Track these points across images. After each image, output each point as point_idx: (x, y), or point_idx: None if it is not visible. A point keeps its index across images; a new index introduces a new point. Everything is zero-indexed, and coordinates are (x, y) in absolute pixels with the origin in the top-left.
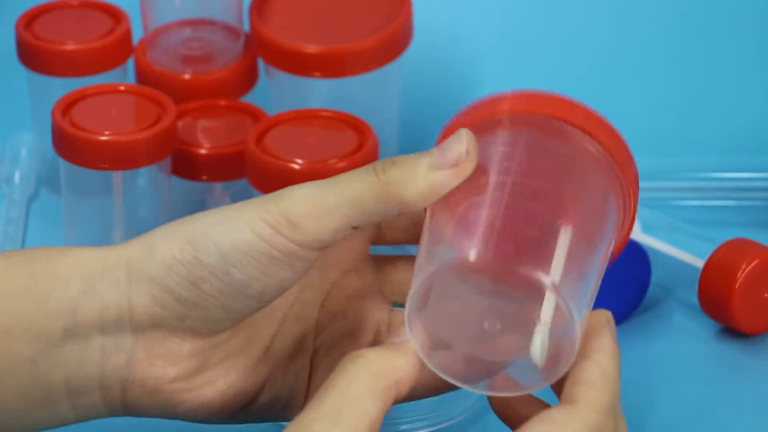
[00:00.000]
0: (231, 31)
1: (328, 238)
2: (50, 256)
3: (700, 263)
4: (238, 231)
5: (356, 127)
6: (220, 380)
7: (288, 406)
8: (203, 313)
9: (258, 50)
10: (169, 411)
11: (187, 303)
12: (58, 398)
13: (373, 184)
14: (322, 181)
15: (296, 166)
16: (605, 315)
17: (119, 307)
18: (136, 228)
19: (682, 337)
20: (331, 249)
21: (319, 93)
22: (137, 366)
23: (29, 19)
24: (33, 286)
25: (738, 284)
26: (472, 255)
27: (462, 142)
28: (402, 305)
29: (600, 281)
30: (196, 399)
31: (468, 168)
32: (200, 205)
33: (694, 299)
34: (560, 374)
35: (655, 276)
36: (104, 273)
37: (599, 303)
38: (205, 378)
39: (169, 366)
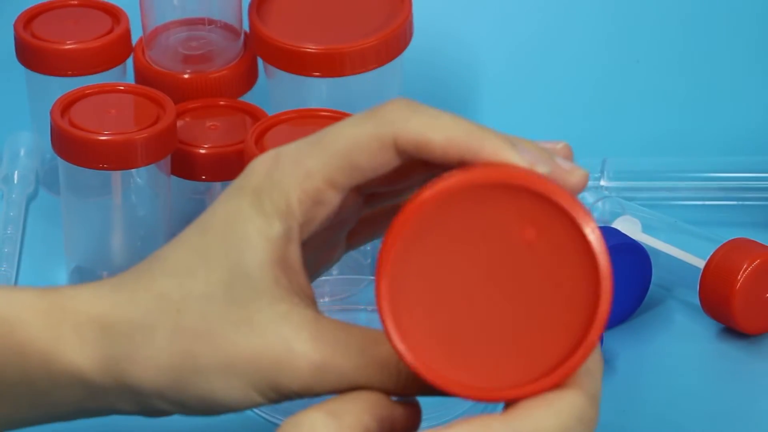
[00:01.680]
0: (230, 30)
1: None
2: (42, 361)
3: (700, 263)
4: (234, 404)
5: None
6: None
7: None
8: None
9: (257, 50)
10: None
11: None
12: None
13: (388, 389)
14: (327, 345)
15: None
16: None
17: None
18: (136, 228)
19: (683, 337)
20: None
21: (319, 93)
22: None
23: (28, 19)
24: (30, 383)
25: (739, 284)
26: None
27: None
28: None
29: None
30: None
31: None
32: (200, 205)
33: (695, 299)
34: None
35: (656, 276)
36: (105, 390)
37: None
38: None
39: None
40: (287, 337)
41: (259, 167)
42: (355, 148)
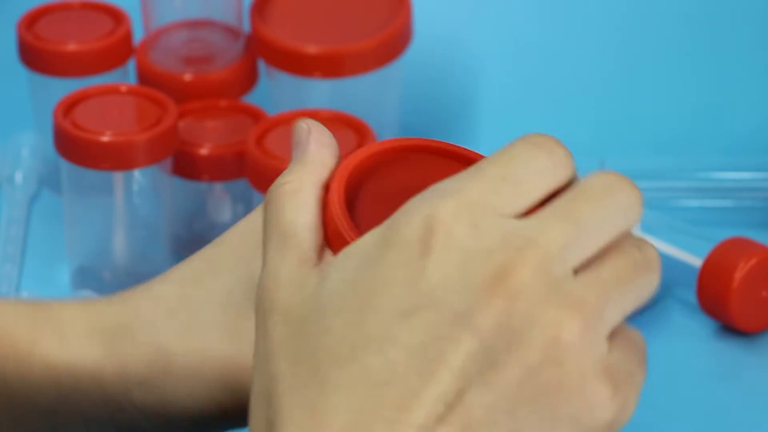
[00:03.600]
0: (231, 31)
1: None
2: (18, 360)
3: (698, 262)
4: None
5: (356, 127)
6: None
7: None
8: None
9: (258, 51)
10: None
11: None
12: None
13: None
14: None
15: None
16: None
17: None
18: (137, 228)
19: (681, 335)
20: None
21: (319, 93)
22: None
23: (31, 20)
24: (2, 379)
25: (736, 283)
26: None
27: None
28: None
29: None
30: None
31: None
32: (201, 206)
33: (693, 298)
34: None
35: None
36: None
37: None
38: None
39: None
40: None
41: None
42: None
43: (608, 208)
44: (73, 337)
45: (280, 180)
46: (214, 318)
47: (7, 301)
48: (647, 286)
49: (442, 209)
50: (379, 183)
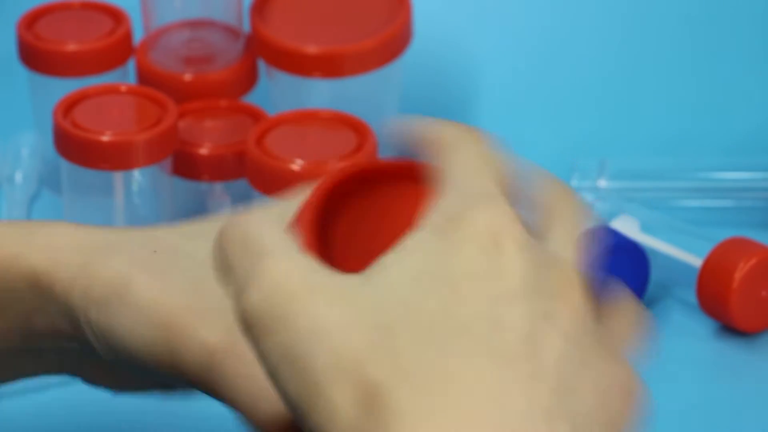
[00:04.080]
0: (231, 31)
1: None
2: (5, 263)
3: (698, 262)
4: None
5: (356, 127)
6: None
7: None
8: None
9: (258, 51)
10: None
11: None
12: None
13: None
14: None
15: (296, 167)
16: None
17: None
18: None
19: (681, 335)
20: None
21: (319, 93)
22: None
23: (31, 20)
24: None
25: (736, 283)
26: None
27: None
28: None
29: None
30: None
31: None
32: (201, 206)
33: (693, 298)
34: None
35: (654, 275)
36: (73, 251)
37: None
38: None
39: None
40: (202, 311)
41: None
42: None
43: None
44: (58, 247)
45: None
46: (187, 270)
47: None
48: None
49: (501, 213)
50: (350, 213)
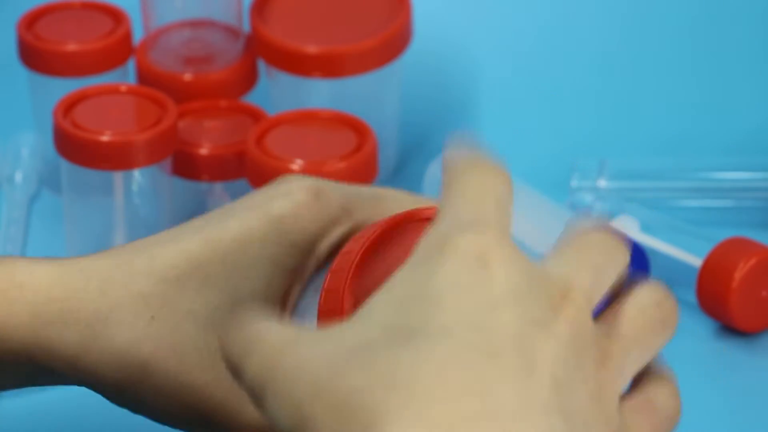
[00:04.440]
0: (231, 31)
1: None
2: (4, 302)
3: (698, 262)
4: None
5: (356, 127)
6: None
7: None
8: None
9: (258, 51)
10: None
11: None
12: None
13: None
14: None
15: (296, 167)
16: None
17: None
18: (137, 228)
19: (681, 335)
20: None
21: (319, 93)
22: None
23: (31, 20)
24: None
25: (736, 283)
26: None
27: None
28: None
29: None
30: None
31: None
32: (201, 206)
33: (693, 298)
34: None
35: (654, 275)
36: (65, 326)
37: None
38: None
39: None
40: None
41: (295, 194)
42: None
43: (612, 261)
44: (50, 323)
45: None
46: (196, 338)
47: None
48: (663, 343)
49: (487, 236)
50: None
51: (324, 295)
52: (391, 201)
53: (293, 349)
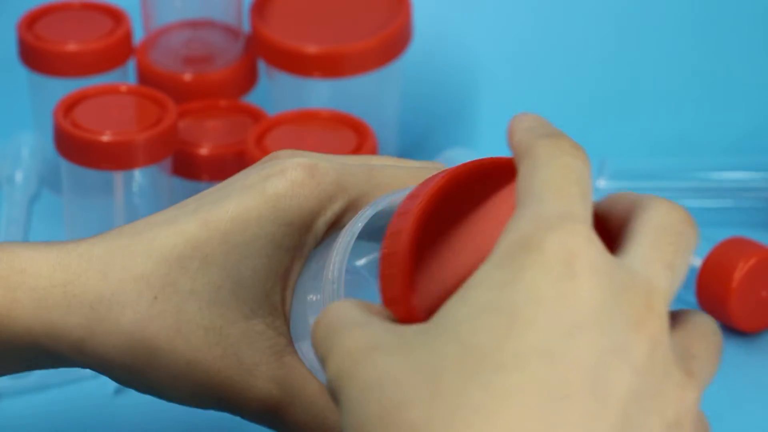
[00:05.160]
0: (231, 31)
1: None
2: (7, 288)
3: (698, 262)
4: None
5: (355, 127)
6: None
7: None
8: None
9: (258, 50)
10: None
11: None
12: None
13: None
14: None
15: None
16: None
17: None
18: None
19: None
20: None
21: (319, 93)
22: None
23: (31, 20)
24: None
25: (735, 283)
26: None
27: None
28: None
29: None
30: None
31: None
32: None
33: (692, 298)
34: None
35: None
36: (69, 309)
37: None
38: None
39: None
40: (248, 365)
41: (290, 173)
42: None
43: (688, 253)
44: (53, 307)
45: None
46: (200, 317)
47: None
48: (716, 369)
49: (576, 234)
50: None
51: (384, 261)
52: (384, 171)
53: (371, 360)
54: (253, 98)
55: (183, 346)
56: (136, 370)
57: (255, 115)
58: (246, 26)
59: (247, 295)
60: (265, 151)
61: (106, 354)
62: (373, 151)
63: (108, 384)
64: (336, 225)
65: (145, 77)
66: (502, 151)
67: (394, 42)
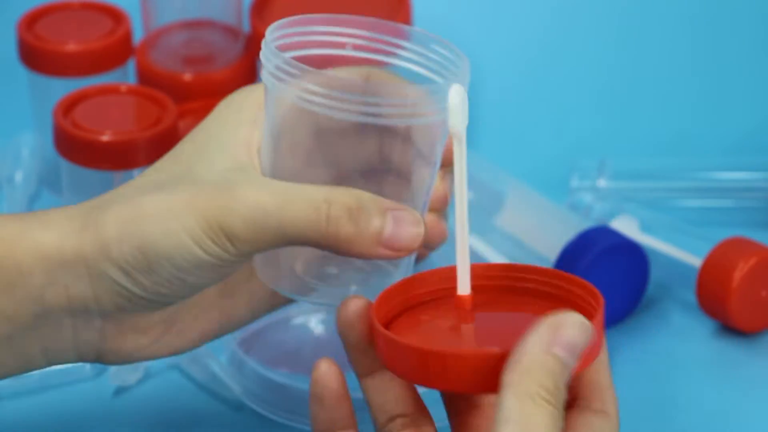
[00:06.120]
0: (231, 31)
1: (267, 248)
2: (9, 244)
3: (698, 262)
4: (188, 250)
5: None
6: (191, 330)
7: None
8: (166, 297)
9: (258, 50)
10: (144, 360)
11: (150, 293)
12: (36, 362)
13: (318, 230)
14: (270, 191)
15: None
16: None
17: (85, 299)
18: None
19: (681, 335)
20: None
21: None
22: (110, 339)
23: (31, 20)
24: None
25: (735, 283)
26: None
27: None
28: None
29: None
30: (167, 351)
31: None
32: None
33: (692, 298)
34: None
35: (654, 275)
36: (64, 266)
37: None
38: (177, 330)
39: (141, 335)
40: (229, 178)
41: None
42: None
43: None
44: (56, 223)
45: None
46: (183, 163)
47: None
48: None
49: None
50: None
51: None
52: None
53: None
54: None
55: (167, 187)
56: (129, 236)
57: None
58: (246, 26)
59: (227, 140)
60: None
61: (106, 232)
62: None
63: (108, 384)
64: None
65: (145, 77)
66: (502, 151)
67: None
